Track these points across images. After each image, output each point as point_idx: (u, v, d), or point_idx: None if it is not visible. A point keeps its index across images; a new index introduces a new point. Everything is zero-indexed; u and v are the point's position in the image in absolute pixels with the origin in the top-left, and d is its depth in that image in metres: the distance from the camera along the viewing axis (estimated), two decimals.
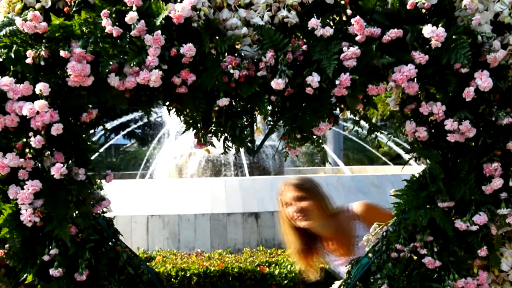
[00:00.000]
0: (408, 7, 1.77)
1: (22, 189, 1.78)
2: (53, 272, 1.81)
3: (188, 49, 1.73)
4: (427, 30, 1.74)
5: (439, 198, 1.92)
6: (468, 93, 1.80)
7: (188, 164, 8.13)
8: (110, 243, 2.03)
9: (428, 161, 1.96)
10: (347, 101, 1.89)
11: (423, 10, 1.80)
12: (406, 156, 3.72)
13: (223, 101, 1.79)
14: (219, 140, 2.00)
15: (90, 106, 1.97)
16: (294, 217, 2.46)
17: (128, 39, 1.73)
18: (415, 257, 2.01)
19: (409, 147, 2.08)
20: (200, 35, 1.79)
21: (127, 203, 5.59)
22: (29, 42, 1.79)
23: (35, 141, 1.77)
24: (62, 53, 1.73)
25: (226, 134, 2.01)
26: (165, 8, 1.73)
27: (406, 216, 1.99)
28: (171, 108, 2.02)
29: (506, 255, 2.00)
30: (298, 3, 1.85)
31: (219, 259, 4.94)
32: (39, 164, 1.86)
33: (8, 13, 1.87)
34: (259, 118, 2.04)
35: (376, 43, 1.77)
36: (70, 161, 1.88)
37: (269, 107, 1.87)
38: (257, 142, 2.13)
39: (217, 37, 1.81)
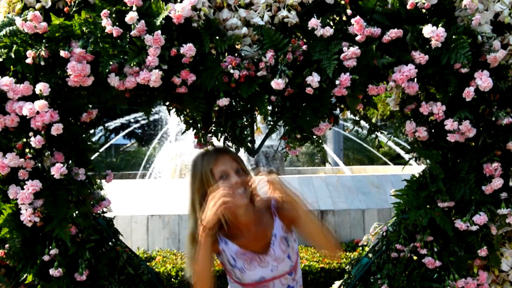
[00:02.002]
0: (408, 7, 1.77)
1: (22, 189, 1.78)
2: (53, 272, 1.81)
3: (188, 49, 1.73)
4: (427, 30, 1.74)
5: (439, 198, 1.92)
6: (468, 93, 1.80)
7: (188, 164, 8.13)
8: (110, 243, 2.04)
9: (428, 161, 1.96)
10: (347, 101, 1.89)
11: (423, 10, 1.80)
12: (406, 156, 3.72)
13: (223, 101, 1.79)
14: (219, 140, 2.00)
15: (90, 106, 1.97)
16: (234, 191, 1.82)
17: (128, 39, 1.73)
18: (415, 257, 2.01)
19: (409, 147, 2.08)
20: (200, 35, 1.79)
21: (127, 203, 5.59)
22: (29, 42, 1.79)
23: (35, 141, 1.77)
24: (62, 53, 1.73)
25: (226, 134, 2.01)
26: (165, 8, 1.73)
27: (406, 216, 1.99)
28: (171, 108, 2.02)
29: (506, 255, 2.00)
30: (298, 3, 1.85)
31: None
32: (39, 164, 1.86)
33: (8, 13, 1.87)
34: (259, 118, 2.04)
35: (376, 43, 1.77)
36: (70, 161, 1.88)
37: (269, 107, 1.87)
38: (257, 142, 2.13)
39: (217, 37, 1.81)
